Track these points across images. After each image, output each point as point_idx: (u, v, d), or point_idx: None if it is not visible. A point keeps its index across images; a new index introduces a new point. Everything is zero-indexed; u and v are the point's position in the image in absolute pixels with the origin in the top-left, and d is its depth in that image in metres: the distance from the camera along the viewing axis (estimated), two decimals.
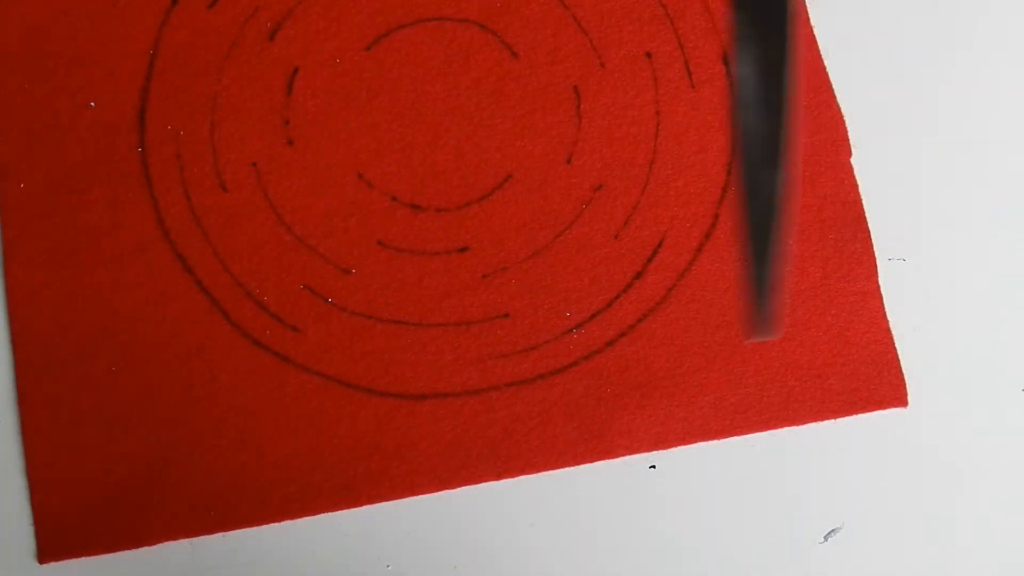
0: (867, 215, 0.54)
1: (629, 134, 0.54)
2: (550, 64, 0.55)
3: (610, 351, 0.52)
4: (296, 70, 0.54)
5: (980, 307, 0.53)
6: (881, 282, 0.53)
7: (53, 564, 0.48)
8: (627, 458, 0.51)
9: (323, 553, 0.49)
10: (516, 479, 0.50)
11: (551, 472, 0.50)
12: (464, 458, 0.50)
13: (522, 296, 0.52)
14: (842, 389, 0.51)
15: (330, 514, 0.49)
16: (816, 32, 0.56)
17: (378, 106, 0.54)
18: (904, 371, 0.52)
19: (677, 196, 0.53)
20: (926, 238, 0.53)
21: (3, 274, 0.51)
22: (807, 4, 0.55)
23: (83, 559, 0.48)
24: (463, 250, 0.52)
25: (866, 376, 0.52)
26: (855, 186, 0.54)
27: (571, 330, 0.52)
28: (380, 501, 0.49)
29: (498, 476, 0.50)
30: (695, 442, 0.51)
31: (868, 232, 0.53)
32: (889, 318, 0.53)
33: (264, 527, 0.49)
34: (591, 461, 0.50)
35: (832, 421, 0.52)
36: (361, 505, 0.49)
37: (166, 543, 0.49)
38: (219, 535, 0.49)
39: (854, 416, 0.52)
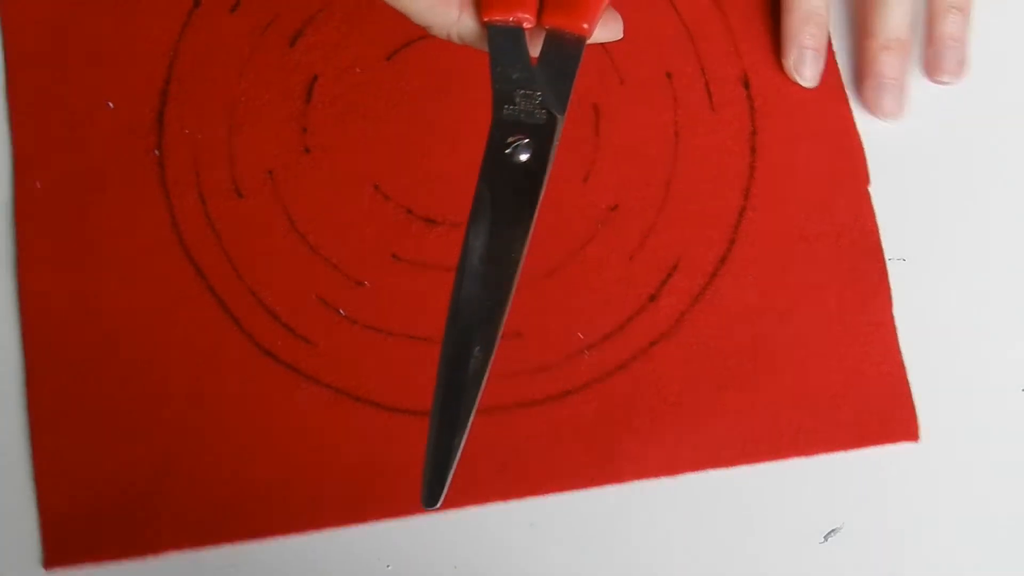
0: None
1: (647, 154, 0.55)
2: None
3: (622, 374, 0.52)
4: (315, 78, 0.55)
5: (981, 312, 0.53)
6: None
7: (59, 570, 0.49)
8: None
9: (323, 551, 0.50)
10: None
11: None
12: (471, 477, 0.50)
13: (534, 315, 0.53)
14: (854, 422, 0.52)
15: None
16: (838, 58, 0.56)
17: (396, 117, 0.54)
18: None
19: (693, 219, 0.54)
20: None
21: (15, 274, 0.52)
22: (830, 31, 0.56)
23: (89, 566, 0.49)
24: None
25: (878, 409, 0.52)
26: (873, 216, 0.54)
27: (583, 351, 0.52)
28: (387, 518, 0.50)
29: (504, 497, 0.51)
30: (704, 469, 0.52)
31: (884, 263, 0.54)
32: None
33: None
34: (599, 485, 0.51)
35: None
36: (368, 521, 0.50)
37: (171, 552, 0.49)
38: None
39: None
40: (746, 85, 0.56)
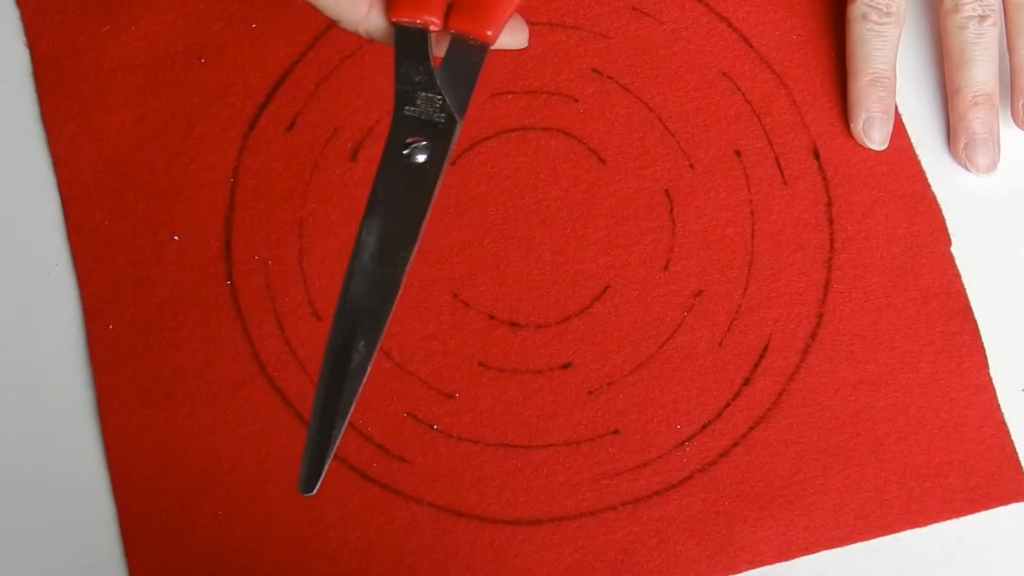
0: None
1: (725, 236, 0.55)
2: (639, 168, 0.56)
3: (725, 462, 0.52)
4: None
5: None
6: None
7: None
8: None
9: None
10: None
11: None
12: None
13: (630, 411, 0.53)
14: (962, 487, 0.52)
15: None
16: (906, 120, 0.57)
17: (468, 222, 0.55)
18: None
19: (779, 297, 0.54)
20: None
21: (99, 420, 0.52)
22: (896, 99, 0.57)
23: None
24: (566, 366, 0.53)
25: (985, 472, 0.53)
26: (958, 276, 0.55)
27: (683, 443, 0.53)
28: None
29: None
30: (818, 551, 0.52)
31: (975, 323, 0.54)
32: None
33: None
34: None
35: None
36: None
37: None
38: None
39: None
40: (816, 156, 0.56)
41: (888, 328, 0.54)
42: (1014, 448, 0.53)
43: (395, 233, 0.42)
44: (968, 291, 0.55)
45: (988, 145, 0.55)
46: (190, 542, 0.51)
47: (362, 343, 0.41)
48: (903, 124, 0.57)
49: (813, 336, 0.54)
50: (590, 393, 0.53)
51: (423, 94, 0.44)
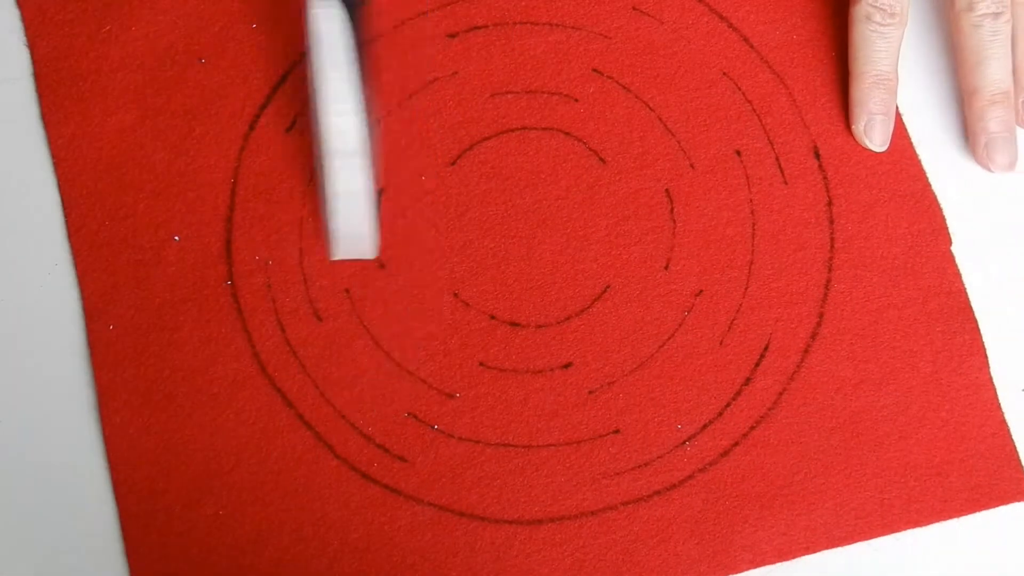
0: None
1: (725, 236, 0.55)
2: (639, 168, 0.56)
3: (725, 462, 0.53)
4: (381, 191, 0.55)
5: None
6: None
7: None
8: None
9: None
10: None
11: None
12: None
13: (631, 410, 0.53)
14: (963, 486, 0.53)
15: None
16: (907, 118, 0.57)
17: (468, 222, 0.55)
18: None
19: (779, 297, 0.55)
20: None
21: (99, 420, 0.52)
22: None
23: None
24: (567, 366, 0.54)
25: (985, 471, 0.53)
26: (958, 276, 0.55)
27: (684, 443, 0.53)
28: None
29: None
30: (819, 550, 0.52)
31: (976, 322, 0.55)
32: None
33: None
34: None
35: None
36: None
37: None
38: None
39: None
40: (817, 156, 0.57)
41: (889, 327, 0.55)
42: (1014, 447, 0.54)
43: None
44: (968, 290, 0.55)
45: (1009, 143, 0.56)
46: (191, 542, 0.51)
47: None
48: (903, 124, 0.57)
49: (814, 336, 0.55)
50: (591, 393, 0.54)
51: None
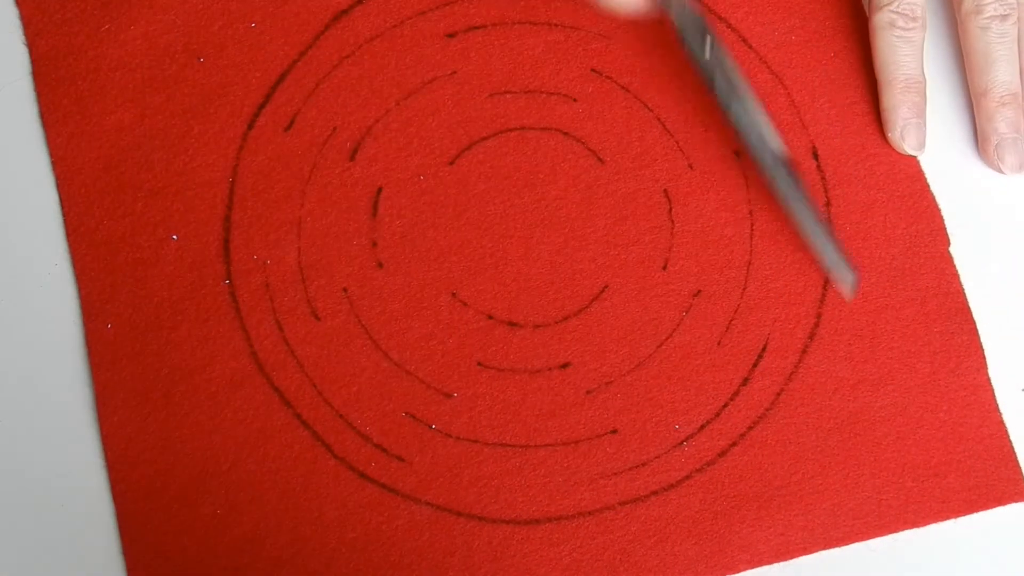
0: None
1: (724, 236, 0.56)
2: (638, 168, 0.56)
3: (723, 462, 0.53)
4: (380, 190, 0.56)
5: None
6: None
7: None
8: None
9: None
10: None
11: None
12: None
13: (628, 410, 0.54)
14: (960, 487, 0.53)
15: None
16: None
17: (466, 222, 0.55)
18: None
19: (777, 297, 0.55)
20: None
21: (97, 419, 0.53)
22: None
23: None
24: (565, 366, 0.54)
25: (983, 472, 0.53)
26: (956, 276, 0.56)
27: (682, 443, 0.53)
28: None
29: None
30: (817, 551, 0.53)
31: (974, 323, 0.55)
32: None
33: None
34: None
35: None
36: None
37: None
38: None
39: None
40: (815, 156, 0.57)
41: (886, 328, 0.55)
42: (1012, 448, 0.54)
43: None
44: (966, 291, 0.56)
45: (1018, 144, 0.56)
46: (188, 541, 0.52)
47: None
48: None
49: (811, 336, 0.55)
50: (588, 393, 0.54)
51: None
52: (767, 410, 0.54)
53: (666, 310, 0.55)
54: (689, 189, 0.56)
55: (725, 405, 0.54)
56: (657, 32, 0.58)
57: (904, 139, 0.56)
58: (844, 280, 0.54)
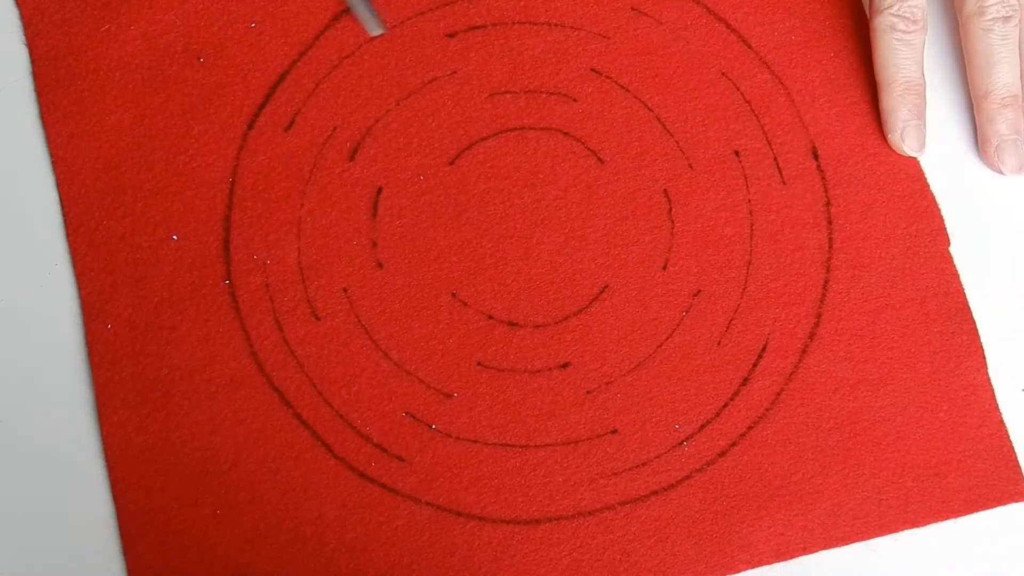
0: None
1: (724, 236, 0.56)
2: (638, 168, 0.57)
3: (723, 462, 0.53)
4: (380, 190, 0.56)
5: None
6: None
7: None
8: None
9: None
10: None
11: None
12: None
13: (629, 410, 0.54)
14: (960, 487, 0.53)
15: None
16: None
17: (466, 222, 0.56)
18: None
19: (777, 297, 0.55)
20: None
21: (98, 419, 0.53)
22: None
23: None
24: (565, 366, 0.54)
25: (983, 472, 0.54)
26: (956, 276, 0.56)
27: (682, 443, 0.53)
28: None
29: None
30: (817, 551, 0.53)
31: (974, 323, 0.55)
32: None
33: None
34: None
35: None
36: None
37: None
38: None
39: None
40: (815, 156, 0.57)
41: (886, 328, 0.55)
42: (1012, 448, 0.54)
43: None
44: (966, 291, 0.56)
45: (1018, 146, 0.56)
46: (188, 541, 0.52)
47: None
48: None
49: (811, 336, 0.55)
50: (588, 393, 0.54)
51: None
52: (767, 410, 0.54)
53: (666, 310, 0.55)
54: (689, 189, 0.57)
55: (725, 405, 0.54)
56: (657, 32, 0.58)
57: (904, 140, 0.56)
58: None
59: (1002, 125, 0.56)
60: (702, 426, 0.54)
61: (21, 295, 0.55)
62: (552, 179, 0.57)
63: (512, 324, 0.55)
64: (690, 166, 0.57)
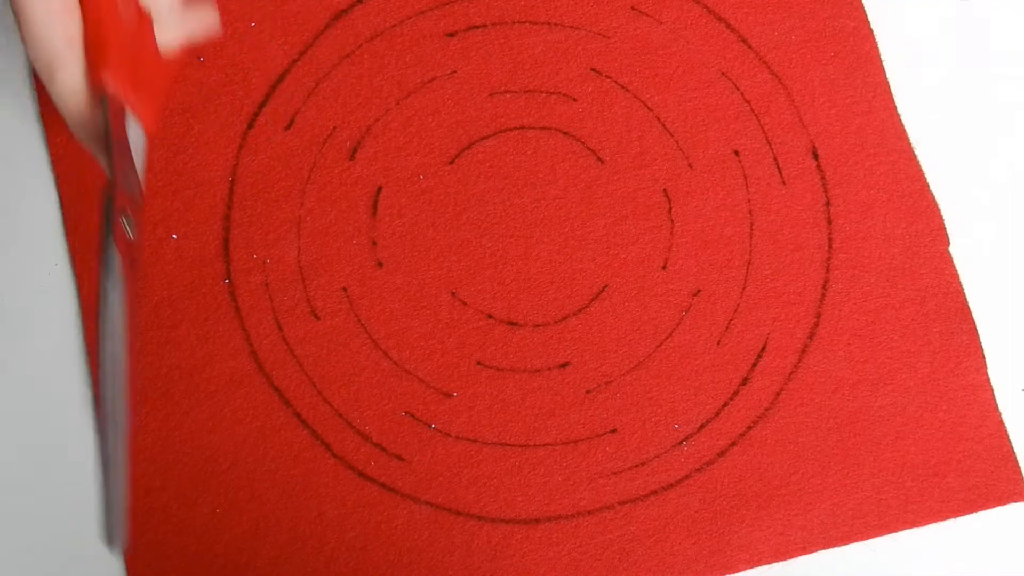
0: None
1: (723, 236, 0.56)
2: (638, 168, 0.57)
3: (722, 461, 0.53)
4: (380, 189, 0.56)
5: None
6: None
7: None
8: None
9: None
10: None
11: None
12: None
13: (628, 410, 0.54)
14: (960, 487, 0.53)
15: None
16: (905, 119, 0.57)
17: (466, 221, 0.56)
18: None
19: (777, 297, 0.55)
20: None
21: (97, 419, 0.53)
22: (894, 93, 0.57)
23: None
24: (564, 365, 0.54)
25: (983, 472, 0.54)
26: (956, 276, 0.56)
27: (681, 442, 0.53)
28: None
29: None
30: (816, 551, 0.53)
31: (973, 323, 0.55)
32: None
33: None
34: None
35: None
36: None
37: None
38: None
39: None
40: (815, 156, 0.57)
41: (886, 328, 0.55)
42: (1012, 448, 0.54)
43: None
44: (966, 291, 0.56)
45: None
46: (187, 540, 0.52)
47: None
48: (902, 124, 0.58)
49: (811, 336, 0.55)
50: (588, 392, 0.54)
51: (129, 172, 0.46)
52: (767, 410, 0.54)
53: (666, 310, 0.55)
54: (689, 189, 0.57)
55: (725, 405, 0.54)
56: (657, 31, 0.58)
57: None
58: (110, 537, 0.43)
59: None
60: (701, 426, 0.54)
61: (21, 295, 0.55)
62: (552, 179, 0.57)
63: (512, 323, 0.55)
64: (690, 166, 0.57)
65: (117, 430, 0.43)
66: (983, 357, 0.55)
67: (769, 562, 0.53)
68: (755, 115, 0.57)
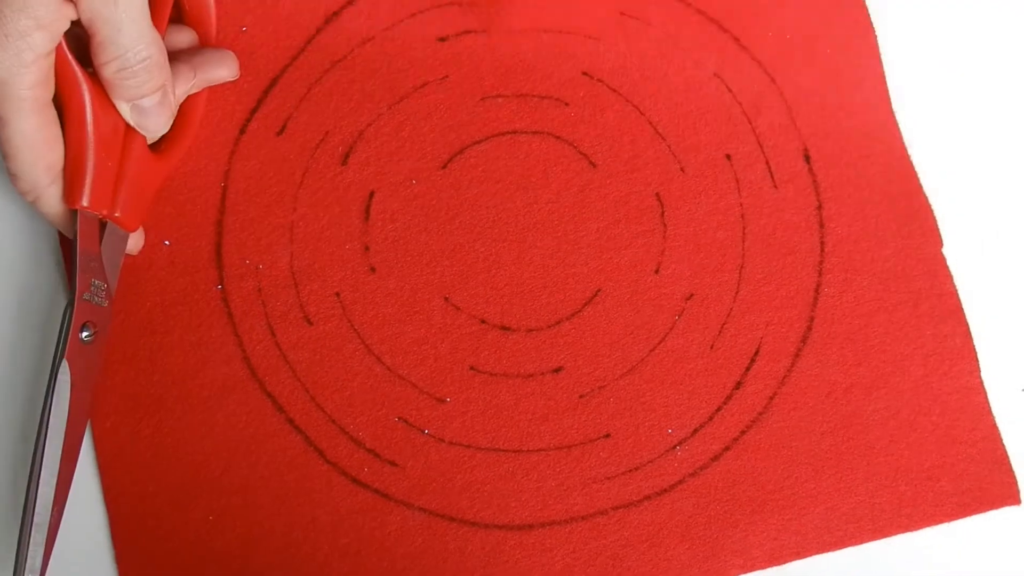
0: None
1: (716, 239, 0.56)
2: (630, 172, 0.56)
3: (716, 466, 0.53)
4: (372, 194, 0.56)
5: None
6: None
7: None
8: None
9: None
10: None
11: None
12: None
13: (621, 415, 0.54)
14: (954, 490, 0.53)
15: None
16: (899, 119, 0.57)
17: (459, 226, 0.55)
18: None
19: (770, 300, 0.55)
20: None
21: (90, 424, 0.53)
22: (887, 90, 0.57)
23: None
24: (557, 370, 0.54)
25: (976, 475, 0.53)
26: (949, 278, 0.56)
27: (674, 447, 0.53)
28: None
29: None
30: (810, 555, 0.53)
31: (967, 325, 0.55)
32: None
33: None
34: None
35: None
36: None
37: None
38: None
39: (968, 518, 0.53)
40: (807, 159, 0.57)
41: (879, 331, 0.55)
42: (1005, 451, 0.54)
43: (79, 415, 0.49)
44: (960, 293, 0.56)
45: None
46: (180, 546, 0.52)
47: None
48: (896, 125, 0.58)
49: (804, 340, 0.55)
50: (581, 397, 0.54)
51: (95, 280, 0.50)
52: (760, 414, 0.54)
53: (659, 314, 0.55)
54: (681, 192, 0.56)
55: (718, 409, 0.54)
56: (648, 35, 0.58)
57: None
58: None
59: None
60: (695, 430, 0.54)
61: (21, 295, 0.55)
62: (544, 183, 0.56)
63: (505, 328, 0.55)
64: (682, 170, 0.57)
65: (40, 526, 0.48)
66: (976, 360, 0.55)
67: (763, 567, 0.53)
68: (747, 118, 0.57)
